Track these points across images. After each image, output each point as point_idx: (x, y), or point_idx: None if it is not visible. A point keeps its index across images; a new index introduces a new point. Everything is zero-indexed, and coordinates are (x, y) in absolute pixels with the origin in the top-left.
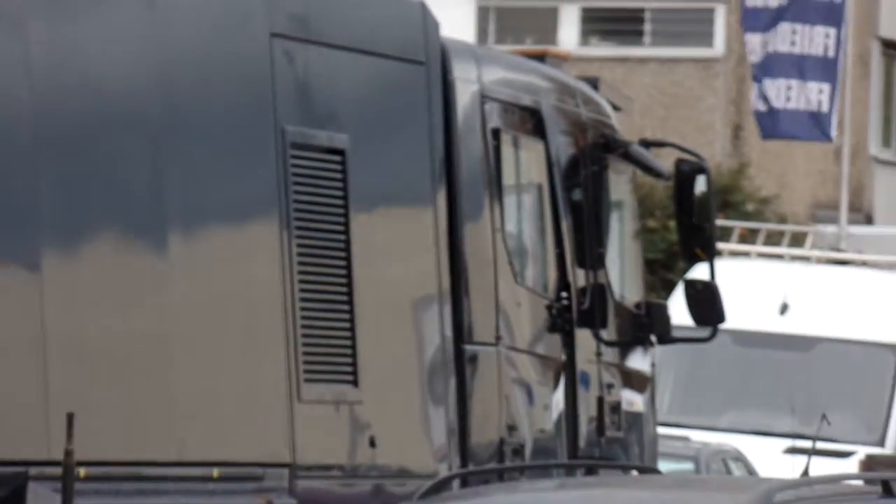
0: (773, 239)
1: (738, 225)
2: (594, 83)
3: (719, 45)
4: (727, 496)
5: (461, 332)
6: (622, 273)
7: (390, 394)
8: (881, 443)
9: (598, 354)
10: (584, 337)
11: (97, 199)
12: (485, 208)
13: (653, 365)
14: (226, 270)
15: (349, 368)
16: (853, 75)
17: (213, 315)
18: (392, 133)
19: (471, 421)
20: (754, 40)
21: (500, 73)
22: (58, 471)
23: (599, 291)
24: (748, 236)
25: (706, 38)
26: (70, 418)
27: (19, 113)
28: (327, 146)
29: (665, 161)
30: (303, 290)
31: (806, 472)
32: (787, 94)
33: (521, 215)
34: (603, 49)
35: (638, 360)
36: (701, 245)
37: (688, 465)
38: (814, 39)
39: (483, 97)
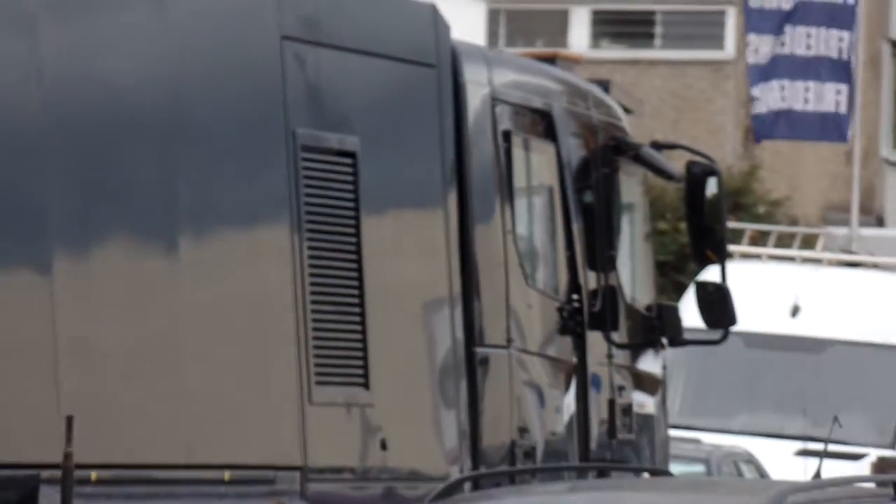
0: (784, 241)
1: (749, 227)
2: (605, 85)
3: (730, 48)
4: (739, 499)
5: (472, 334)
6: (633, 275)
7: (401, 396)
8: (893, 445)
9: (610, 357)
10: (595, 339)
11: (109, 201)
12: (496, 211)
13: (664, 367)
14: (237, 273)
15: (360, 371)
16: (864, 78)
17: (225, 318)
18: (403, 136)
19: (482, 423)
20: (758, 41)
21: (511, 75)
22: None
23: (610, 294)
24: (759, 238)
25: (717, 41)
26: (69, 421)
27: (31, 117)
28: (338, 149)
29: (676, 163)
30: (314, 293)
31: (818, 475)
32: (804, 95)
33: (531, 218)
34: (614, 51)
35: (649, 363)
36: (712, 247)
37: (699, 468)
38: (828, 42)
39: (494, 100)
